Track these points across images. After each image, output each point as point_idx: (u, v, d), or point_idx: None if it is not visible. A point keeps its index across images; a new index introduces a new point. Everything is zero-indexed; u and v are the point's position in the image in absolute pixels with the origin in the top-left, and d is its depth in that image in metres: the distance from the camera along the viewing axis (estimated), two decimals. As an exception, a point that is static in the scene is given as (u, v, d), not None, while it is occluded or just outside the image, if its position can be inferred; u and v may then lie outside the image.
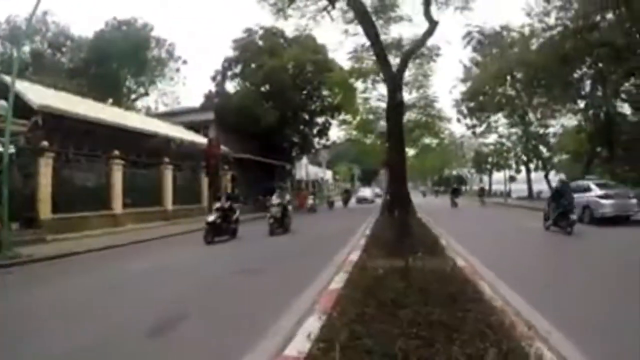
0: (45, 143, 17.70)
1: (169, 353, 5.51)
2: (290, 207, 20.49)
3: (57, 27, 50.10)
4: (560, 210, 16.26)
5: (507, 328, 4.92)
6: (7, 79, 18.58)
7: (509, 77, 41.51)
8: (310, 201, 36.29)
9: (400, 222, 10.78)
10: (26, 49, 44.80)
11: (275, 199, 19.20)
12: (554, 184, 44.83)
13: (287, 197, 21.41)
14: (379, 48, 11.75)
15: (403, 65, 11.78)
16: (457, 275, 7.59)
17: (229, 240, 17.00)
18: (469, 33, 37.78)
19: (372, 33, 11.32)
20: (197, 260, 13.39)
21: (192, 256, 14.18)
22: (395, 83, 11.13)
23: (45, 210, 17.08)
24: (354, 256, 10.73)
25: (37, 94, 20.88)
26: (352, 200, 50.04)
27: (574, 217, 15.98)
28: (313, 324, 5.54)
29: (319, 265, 10.55)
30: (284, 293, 8.02)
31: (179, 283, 9.68)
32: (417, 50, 15.39)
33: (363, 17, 11.24)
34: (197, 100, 46.98)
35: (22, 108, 17.13)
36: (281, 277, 9.98)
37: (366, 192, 58.16)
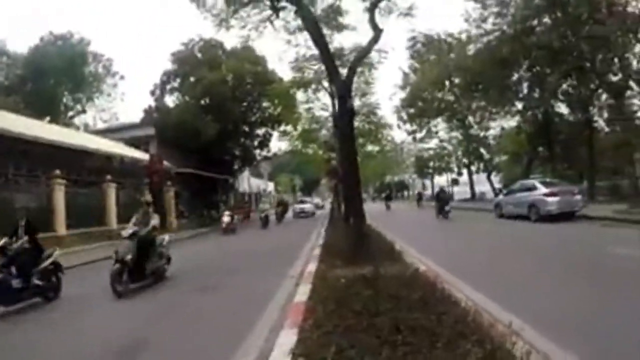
0: None
1: None
2: None
3: (-8, 44, 48.20)
4: (440, 206, 26.82)
5: (486, 327, 4.94)
6: None
7: (447, 83, 42.44)
8: (225, 219, 27.90)
9: (355, 230, 10.74)
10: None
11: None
12: (497, 185, 46.51)
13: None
14: (328, 56, 11.72)
15: (351, 73, 11.72)
16: (420, 279, 7.58)
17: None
18: (413, 38, 38.75)
19: (321, 42, 11.27)
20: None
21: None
22: (344, 91, 11.10)
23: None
24: (312, 267, 10.59)
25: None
26: (289, 214, 43.89)
27: (447, 208, 26.12)
28: (287, 339, 5.36)
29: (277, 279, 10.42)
30: (247, 308, 7.87)
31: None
32: (364, 58, 15.44)
33: (312, 26, 11.18)
34: (136, 116, 46.09)
35: None
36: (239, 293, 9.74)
37: (305, 204, 48.85)
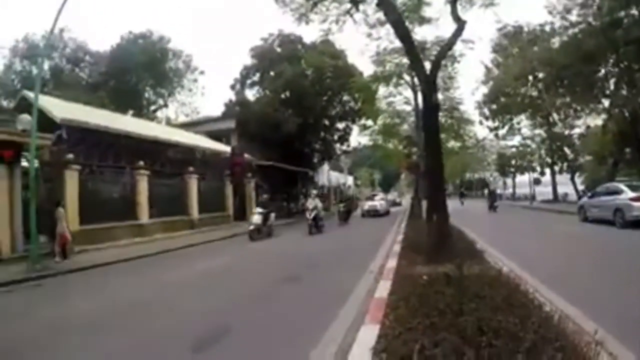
0: (70, 156, 17.78)
1: None
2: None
3: (75, 43, 50.54)
4: (490, 203, 34.48)
5: (569, 333, 4.75)
6: (30, 94, 18.87)
7: (530, 77, 41.10)
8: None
9: (438, 227, 10.56)
10: (45, 65, 45.40)
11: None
12: (579, 187, 44.75)
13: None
14: (412, 50, 11.55)
15: (436, 66, 11.53)
16: (503, 280, 7.36)
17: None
18: (502, 28, 37.72)
19: (404, 35, 11.12)
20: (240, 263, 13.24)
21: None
22: (429, 84, 10.91)
23: (72, 222, 16.91)
24: (392, 263, 10.53)
25: (60, 108, 21.09)
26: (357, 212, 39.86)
27: (496, 204, 35.45)
28: (368, 335, 5.34)
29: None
30: (327, 302, 7.94)
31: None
32: (449, 50, 15.14)
33: (395, 19, 11.04)
34: (216, 110, 47.14)
35: (45, 122, 17.20)
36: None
37: (376, 201, 39.35)
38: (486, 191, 49.39)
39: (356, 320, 6.41)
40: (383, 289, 7.75)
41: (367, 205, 37.63)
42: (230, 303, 8.69)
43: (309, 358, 5.31)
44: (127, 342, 6.32)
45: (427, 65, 11.95)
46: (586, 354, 4.16)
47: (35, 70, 40.74)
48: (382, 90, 27.39)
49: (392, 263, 10.52)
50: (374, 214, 35.30)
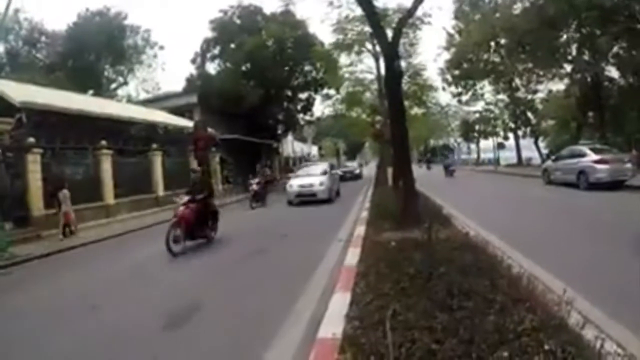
0: (31, 139, 17.10)
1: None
2: None
3: (30, 24, 48.80)
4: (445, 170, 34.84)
5: (539, 294, 4.83)
6: None
7: (493, 43, 41.30)
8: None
9: (405, 193, 10.57)
10: (0, 48, 44.00)
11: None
12: (543, 151, 45.48)
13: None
14: (374, 17, 11.41)
15: (398, 34, 11.40)
16: (471, 243, 7.43)
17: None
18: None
19: (365, 2, 11.01)
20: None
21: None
22: (392, 52, 10.81)
23: (37, 207, 16.57)
24: (360, 230, 10.56)
25: (18, 91, 20.36)
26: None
27: (452, 168, 35.80)
28: (339, 303, 5.32)
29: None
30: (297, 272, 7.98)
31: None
32: (410, 18, 15.04)
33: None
34: (178, 85, 46.34)
35: (4, 107, 16.92)
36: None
37: (312, 176, 29.74)
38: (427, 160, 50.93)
39: (327, 289, 6.42)
40: (352, 257, 7.74)
41: (296, 185, 22.55)
42: (201, 277, 8.73)
43: (283, 327, 5.29)
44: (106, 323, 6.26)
45: (389, 33, 11.81)
46: (556, 314, 4.21)
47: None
48: (343, 58, 27.18)
49: (360, 230, 10.55)
50: (308, 199, 21.56)
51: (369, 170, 57.35)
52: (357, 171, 48.84)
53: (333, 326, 4.56)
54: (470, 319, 4.05)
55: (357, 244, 8.88)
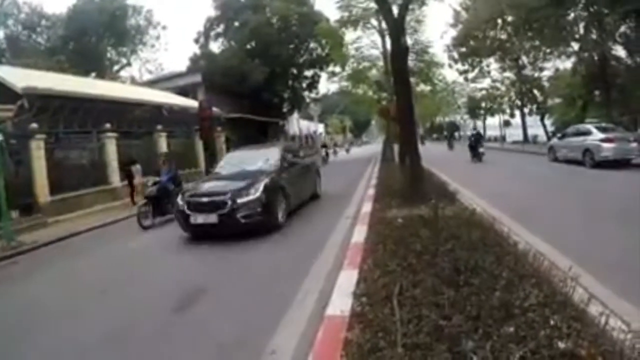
0: (34, 125, 16.94)
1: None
2: None
3: (29, 8, 48.69)
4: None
5: (544, 270, 4.84)
6: None
7: (499, 21, 40.80)
8: None
9: (411, 170, 10.56)
10: (0, 33, 43.80)
11: None
12: (549, 128, 45.20)
13: None
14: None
15: (404, 10, 11.30)
16: (477, 220, 7.44)
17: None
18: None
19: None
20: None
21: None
22: (398, 28, 10.72)
23: (42, 193, 16.52)
24: (367, 207, 10.56)
25: (20, 77, 20.27)
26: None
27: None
28: (347, 279, 5.36)
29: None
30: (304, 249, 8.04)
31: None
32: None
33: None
34: (181, 65, 46.21)
35: (5, 93, 16.87)
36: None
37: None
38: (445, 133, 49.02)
39: (335, 266, 6.45)
40: (359, 234, 7.76)
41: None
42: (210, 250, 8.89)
43: (292, 305, 5.31)
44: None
45: (395, 10, 11.68)
46: (561, 290, 4.23)
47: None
48: (349, 35, 26.97)
49: (367, 207, 10.54)
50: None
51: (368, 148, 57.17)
52: (347, 147, 49.56)
53: (341, 303, 4.59)
54: (477, 295, 4.08)
55: (364, 221, 8.89)
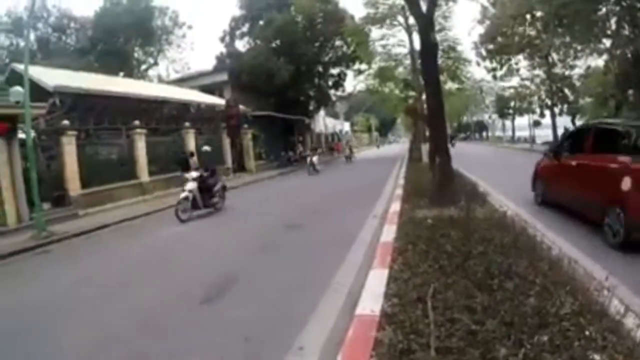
0: (65, 122, 17.61)
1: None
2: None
3: (58, 11, 49.27)
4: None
5: (579, 277, 4.70)
6: (19, 66, 18.61)
7: (528, 16, 40.09)
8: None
9: (441, 170, 10.43)
10: (31, 36, 44.39)
11: None
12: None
13: None
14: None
15: (432, 6, 11.18)
16: (508, 222, 7.28)
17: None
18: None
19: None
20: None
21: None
22: (426, 24, 10.59)
23: (74, 187, 17.00)
24: (395, 207, 10.43)
25: (51, 76, 20.82)
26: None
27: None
28: (377, 279, 5.26)
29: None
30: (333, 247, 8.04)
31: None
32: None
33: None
34: (207, 64, 46.43)
35: (38, 92, 17.04)
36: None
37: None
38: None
39: (363, 265, 6.41)
40: (388, 233, 7.65)
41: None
42: (238, 250, 8.88)
43: (319, 303, 5.27)
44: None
45: (423, 7, 11.53)
46: (597, 300, 4.08)
47: (22, 43, 39.92)
48: (375, 33, 26.79)
49: (395, 206, 10.42)
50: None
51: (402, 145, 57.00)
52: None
53: (371, 303, 4.51)
54: (510, 300, 4.00)
55: (392, 220, 8.80)
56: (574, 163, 8.85)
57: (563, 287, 4.25)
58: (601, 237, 7.14)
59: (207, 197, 14.02)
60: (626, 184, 6.65)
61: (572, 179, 8.93)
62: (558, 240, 6.88)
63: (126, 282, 7.31)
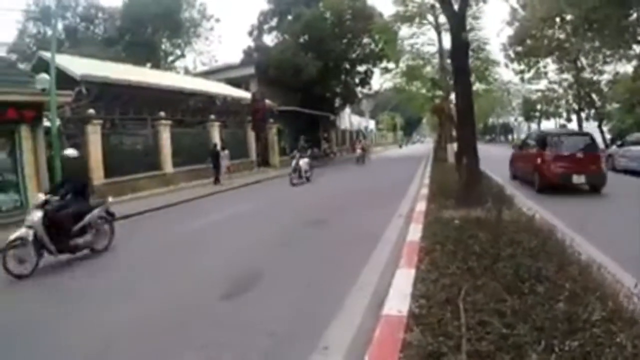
0: (91, 111, 17.83)
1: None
2: None
3: (87, 1, 49.93)
4: None
5: (609, 284, 4.59)
6: (47, 54, 18.80)
7: (558, 19, 39.66)
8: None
9: (468, 171, 10.32)
10: (59, 25, 44.89)
11: None
12: (607, 136, 43.65)
13: None
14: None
15: (464, 4, 11.06)
16: (536, 226, 7.19)
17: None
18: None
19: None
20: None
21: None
22: (458, 23, 10.50)
23: (97, 176, 17.20)
24: (421, 206, 10.36)
25: (78, 65, 21.04)
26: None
27: None
28: (404, 279, 5.18)
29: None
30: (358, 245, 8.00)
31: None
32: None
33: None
34: (234, 57, 46.49)
35: (65, 80, 17.19)
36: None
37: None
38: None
39: (389, 264, 6.37)
40: (414, 233, 7.58)
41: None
42: (260, 245, 8.87)
43: (344, 302, 5.23)
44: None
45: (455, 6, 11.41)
46: (627, 306, 4.00)
47: (49, 32, 40.29)
48: (404, 31, 26.58)
49: (421, 206, 10.34)
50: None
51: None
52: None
53: (398, 303, 4.44)
54: (541, 305, 3.95)
55: (418, 220, 8.73)
56: (524, 153, 16.56)
57: (592, 292, 4.18)
58: (532, 188, 14.19)
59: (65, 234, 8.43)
60: (539, 161, 13.99)
61: (523, 162, 16.29)
62: (515, 191, 12.54)
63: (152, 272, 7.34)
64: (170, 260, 8.27)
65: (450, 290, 4.39)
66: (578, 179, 13.08)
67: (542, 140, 14.64)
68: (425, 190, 13.26)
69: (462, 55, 10.70)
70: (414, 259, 5.82)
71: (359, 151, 35.13)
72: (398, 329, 3.86)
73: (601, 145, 41.19)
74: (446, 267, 5.11)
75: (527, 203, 10.40)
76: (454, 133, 24.15)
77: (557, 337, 3.39)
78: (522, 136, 69.75)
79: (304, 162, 21.02)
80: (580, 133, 19.33)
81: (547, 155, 13.66)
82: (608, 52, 37.79)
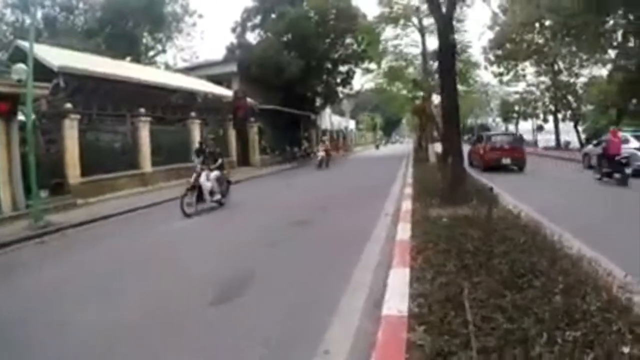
0: (68, 105, 16.92)
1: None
2: None
3: (68, -10, 48.81)
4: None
5: (601, 276, 4.70)
6: (24, 43, 17.96)
7: (537, 25, 40.43)
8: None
9: (453, 170, 10.41)
10: (38, 14, 44.07)
11: None
12: (582, 135, 44.52)
13: None
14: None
15: (452, 6, 11.15)
16: (523, 223, 7.34)
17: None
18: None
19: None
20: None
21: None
22: (445, 24, 10.59)
23: (73, 174, 16.50)
24: (407, 205, 10.38)
25: (56, 56, 20.32)
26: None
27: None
28: (398, 278, 5.15)
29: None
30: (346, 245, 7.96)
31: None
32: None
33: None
34: (216, 54, 46.24)
35: (42, 71, 16.47)
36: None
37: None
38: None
39: (381, 263, 6.38)
40: (404, 232, 7.56)
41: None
42: (248, 246, 8.70)
43: (340, 303, 5.19)
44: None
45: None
46: (620, 296, 4.15)
47: (28, 20, 39.48)
48: (388, 32, 26.66)
49: (407, 205, 10.34)
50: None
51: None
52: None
53: (396, 303, 4.40)
54: (540, 298, 4.02)
55: (406, 219, 8.71)
56: (475, 147, 25.10)
57: (586, 285, 4.31)
58: (480, 170, 20.87)
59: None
60: (481, 151, 23.04)
61: (474, 153, 24.93)
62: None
63: (121, 275, 7.09)
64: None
65: (448, 288, 4.40)
66: (505, 161, 21.99)
67: (484, 138, 24.30)
68: (409, 190, 13.30)
69: (449, 56, 10.79)
70: (406, 258, 5.82)
71: (320, 154, 30.63)
72: (400, 329, 3.83)
73: (577, 144, 42.34)
74: (442, 266, 5.13)
75: (481, 178, 15.49)
76: (435, 134, 24.44)
77: (559, 329, 3.48)
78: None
79: (209, 179, 13.41)
80: (510, 133, 34.83)
81: (487, 147, 22.80)
82: (584, 57, 38.89)
